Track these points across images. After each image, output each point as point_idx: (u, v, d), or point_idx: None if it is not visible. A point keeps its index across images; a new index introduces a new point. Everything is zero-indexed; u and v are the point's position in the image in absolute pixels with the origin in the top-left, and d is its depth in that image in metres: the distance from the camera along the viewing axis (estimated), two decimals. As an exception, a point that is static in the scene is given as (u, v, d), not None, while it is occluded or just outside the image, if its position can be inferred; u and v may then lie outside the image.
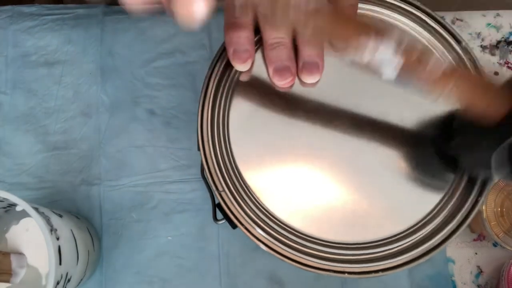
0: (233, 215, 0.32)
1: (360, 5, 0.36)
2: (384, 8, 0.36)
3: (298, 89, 0.35)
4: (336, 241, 0.32)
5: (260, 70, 0.35)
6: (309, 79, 0.34)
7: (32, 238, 0.41)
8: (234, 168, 0.33)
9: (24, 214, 0.41)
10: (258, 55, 0.36)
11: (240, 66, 0.34)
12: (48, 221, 0.36)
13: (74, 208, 0.48)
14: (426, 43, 0.35)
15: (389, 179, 0.33)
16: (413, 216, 0.33)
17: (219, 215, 0.36)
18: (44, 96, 0.51)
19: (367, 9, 0.36)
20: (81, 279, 0.42)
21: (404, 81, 0.28)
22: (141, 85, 0.51)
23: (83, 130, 0.50)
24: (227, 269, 0.47)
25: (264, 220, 0.32)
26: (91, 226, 0.47)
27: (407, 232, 0.32)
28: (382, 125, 0.34)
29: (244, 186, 0.33)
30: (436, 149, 0.34)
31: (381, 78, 0.28)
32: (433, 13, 0.36)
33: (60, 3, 0.56)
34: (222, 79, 0.35)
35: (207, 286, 0.47)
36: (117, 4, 0.54)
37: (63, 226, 0.38)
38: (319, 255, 0.31)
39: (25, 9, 0.53)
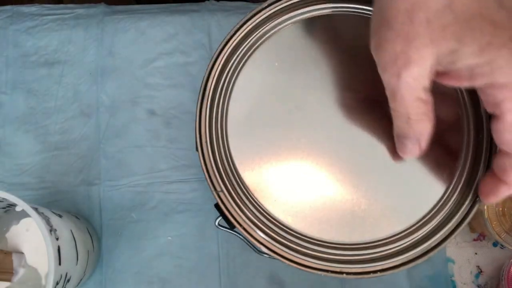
0: (232, 216, 0.32)
1: (356, 5, 0.36)
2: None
3: (296, 90, 0.35)
4: (335, 242, 0.32)
5: (259, 70, 0.35)
6: None
7: (32, 238, 0.41)
8: (233, 168, 0.33)
9: (24, 214, 0.41)
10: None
11: None
12: (47, 221, 0.36)
13: (74, 208, 0.48)
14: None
15: (388, 178, 0.33)
16: (412, 216, 0.32)
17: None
18: (44, 96, 0.51)
19: (365, 10, 0.36)
20: (81, 279, 0.42)
21: None
22: (141, 85, 0.51)
23: (83, 130, 0.50)
24: (227, 269, 0.47)
25: (262, 221, 0.32)
26: (90, 226, 0.47)
27: (406, 232, 0.32)
28: (381, 124, 0.34)
29: (242, 187, 0.33)
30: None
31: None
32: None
33: (60, 3, 0.56)
34: (220, 80, 0.35)
35: (207, 286, 0.47)
36: (117, 4, 0.54)
37: (63, 226, 0.38)
38: (317, 255, 0.31)
39: (25, 9, 0.53)
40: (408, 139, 0.29)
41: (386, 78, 0.27)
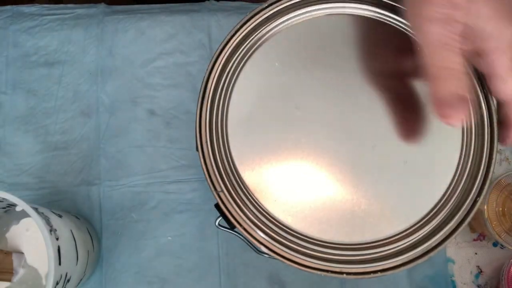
0: (232, 216, 0.32)
1: (357, 5, 0.36)
2: (381, 9, 0.36)
3: (296, 90, 0.35)
4: (335, 242, 0.32)
5: (259, 70, 0.35)
6: None
7: (32, 238, 0.41)
8: (233, 168, 0.33)
9: (24, 214, 0.41)
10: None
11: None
12: (47, 221, 0.36)
13: (74, 208, 0.48)
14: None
15: (388, 178, 0.33)
16: (412, 216, 0.32)
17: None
18: (44, 96, 0.51)
19: (364, 9, 0.36)
20: (81, 279, 0.42)
21: None
22: (141, 85, 0.51)
23: (83, 130, 0.50)
24: (227, 269, 0.47)
25: (262, 221, 0.32)
26: (90, 226, 0.47)
27: (406, 232, 0.32)
28: (382, 124, 0.34)
29: (242, 187, 0.33)
30: None
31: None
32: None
33: (60, 3, 0.56)
34: (221, 80, 0.35)
35: (207, 286, 0.47)
36: (117, 4, 0.54)
37: (63, 226, 0.38)
38: (317, 255, 0.31)
39: (25, 9, 0.53)
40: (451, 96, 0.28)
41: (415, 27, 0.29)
